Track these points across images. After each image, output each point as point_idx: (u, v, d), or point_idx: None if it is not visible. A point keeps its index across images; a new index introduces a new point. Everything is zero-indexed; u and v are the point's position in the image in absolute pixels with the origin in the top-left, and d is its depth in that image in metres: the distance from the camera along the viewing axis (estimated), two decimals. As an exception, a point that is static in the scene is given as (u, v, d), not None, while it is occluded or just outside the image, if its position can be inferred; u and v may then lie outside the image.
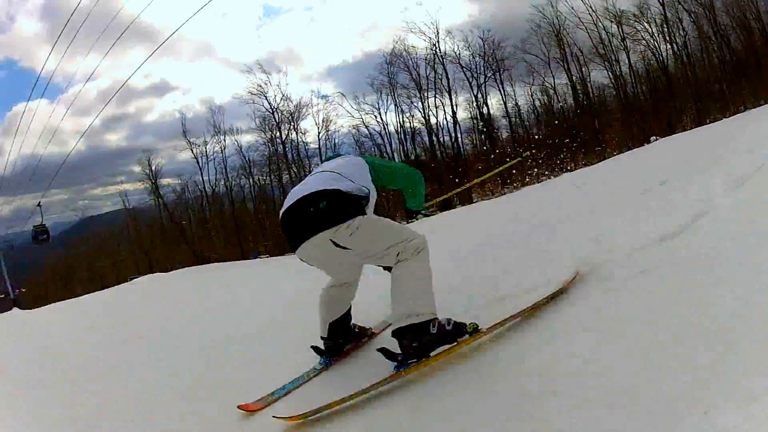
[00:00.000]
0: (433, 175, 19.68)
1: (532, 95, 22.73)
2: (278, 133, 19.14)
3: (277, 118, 19.20)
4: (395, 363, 1.87)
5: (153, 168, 19.31)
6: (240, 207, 19.47)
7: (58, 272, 20.87)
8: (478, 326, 1.89)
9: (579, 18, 21.18)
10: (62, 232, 20.95)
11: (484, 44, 21.78)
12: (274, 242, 18.99)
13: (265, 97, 19.26)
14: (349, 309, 2.35)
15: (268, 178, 19.60)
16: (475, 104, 21.15)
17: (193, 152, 19.34)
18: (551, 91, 23.04)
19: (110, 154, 21.62)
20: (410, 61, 20.61)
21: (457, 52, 21.42)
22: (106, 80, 24.60)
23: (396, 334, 1.86)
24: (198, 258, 18.92)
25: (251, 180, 19.50)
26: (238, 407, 1.96)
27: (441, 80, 20.81)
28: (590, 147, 21.17)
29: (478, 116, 20.86)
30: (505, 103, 21.90)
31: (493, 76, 22.22)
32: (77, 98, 19.79)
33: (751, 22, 18.72)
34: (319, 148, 19.50)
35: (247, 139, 19.88)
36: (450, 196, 2.86)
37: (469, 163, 20.16)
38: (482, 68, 22.10)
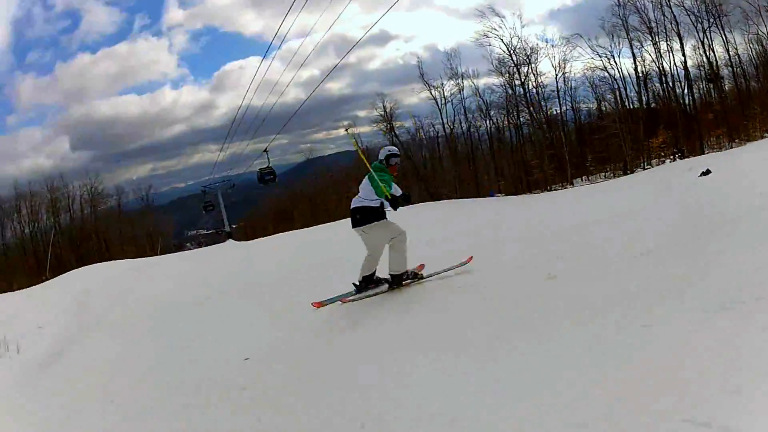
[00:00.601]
0: (667, 124, 20.51)
1: (749, 44, 22.89)
2: (516, 75, 20.16)
3: (515, 60, 20.18)
4: (388, 287, 4.67)
5: (387, 110, 20.86)
6: (476, 147, 20.92)
7: (279, 209, 23.05)
8: (423, 276, 4.74)
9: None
10: (283, 173, 22.96)
11: (703, -14, 21.86)
12: (509, 181, 20.46)
13: (501, 39, 20.20)
14: (375, 270, 4.73)
15: (505, 119, 20.80)
16: (701, 51, 21.51)
17: (432, 94, 20.70)
18: (765, 41, 23.14)
19: (333, 102, 23.66)
20: (638, 3, 21.02)
21: (681, -5, 21.63)
22: (320, 35, 26.49)
23: (391, 276, 4.63)
24: (431, 195, 20.63)
25: (488, 121, 20.84)
26: (312, 303, 4.70)
27: (670, 24, 21.21)
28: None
29: (706, 63, 21.29)
30: (727, 51, 22.06)
31: (714, 22, 22.43)
32: (295, 54, 21.29)
33: None
34: (557, 89, 20.46)
35: (483, 81, 20.92)
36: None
37: (700, 113, 20.76)
38: (704, 13, 22.32)
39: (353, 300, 4.65)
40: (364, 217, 4.48)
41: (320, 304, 4.65)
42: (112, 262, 17.83)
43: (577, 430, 1.82)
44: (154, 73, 26.19)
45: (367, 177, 4.59)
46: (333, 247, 8.72)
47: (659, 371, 2.07)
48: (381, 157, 4.75)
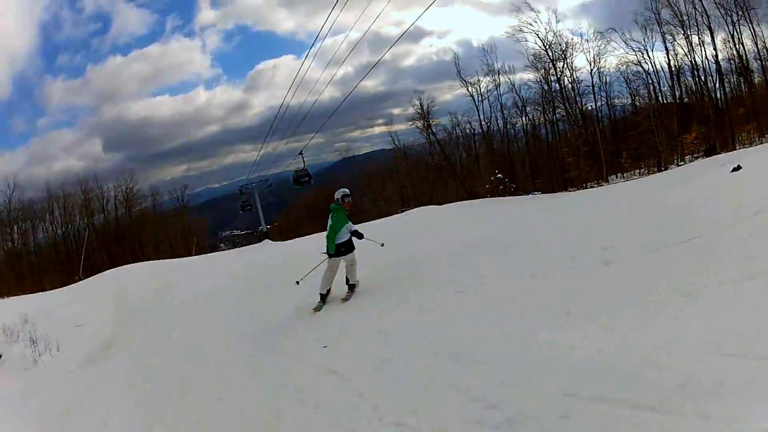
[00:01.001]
0: (699, 119, 21.65)
1: (777, 38, 23.80)
2: (552, 70, 21.14)
3: (550, 55, 21.13)
4: (348, 292, 6.68)
5: (424, 107, 22.11)
6: (511, 143, 22.21)
7: (312, 209, 24.54)
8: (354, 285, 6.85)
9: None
10: (316, 172, 24.43)
11: (731, -22, 22.84)
12: (544, 178, 21.69)
13: (537, 34, 21.15)
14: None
15: (541, 115, 21.86)
16: (731, 44, 22.59)
17: (468, 91, 21.78)
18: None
19: (368, 99, 25.01)
20: (670, -5, 22.07)
21: (710, -13, 22.62)
22: (354, 34, 27.67)
23: (348, 285, 6.68)
24: (468, 193, 22.03)
25: (524, 118, 21.88)
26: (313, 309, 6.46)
27: (701, 16, 22.29)
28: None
29: (736, 56, 22.38)
30: (756, 44, 23.11)
31: (743, 15, 23.52)
32: (327, 52, 22.58)
33: None
34: (592, 85, 21.34)
35: (518, 77, 22.03)
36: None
37: (731, 108, 21.78)
38: (732, 5, 23.40)
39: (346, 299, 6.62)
40: (347, 249, 6.50)
41: (315, 310, 6.45)
42: (147, 262, 19.20)
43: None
44: (187, 73, 27.80)
45: (332, 220, 6.47)
46: (367, 248, 10.33)
47: (710, 323, 3.09)
48: (337, 196, 6.48)
